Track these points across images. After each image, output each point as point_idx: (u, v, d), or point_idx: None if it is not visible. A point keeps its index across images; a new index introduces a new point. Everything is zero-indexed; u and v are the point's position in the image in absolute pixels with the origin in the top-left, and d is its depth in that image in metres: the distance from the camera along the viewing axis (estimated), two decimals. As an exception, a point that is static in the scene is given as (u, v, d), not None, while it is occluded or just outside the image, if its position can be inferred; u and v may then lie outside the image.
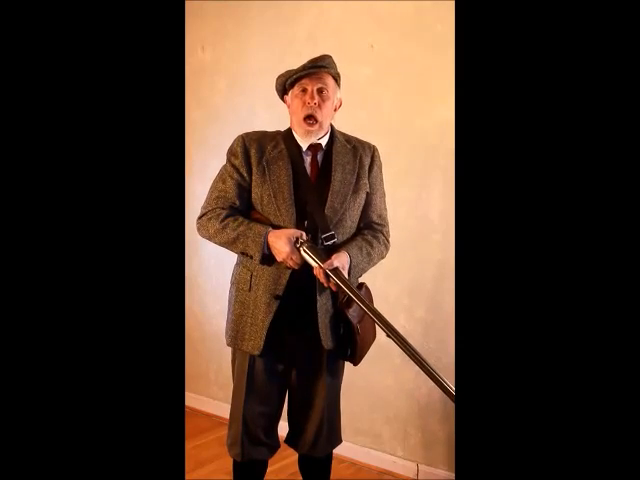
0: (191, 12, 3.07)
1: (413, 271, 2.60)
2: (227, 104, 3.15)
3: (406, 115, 2.58)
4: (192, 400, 3.34)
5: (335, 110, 1.91)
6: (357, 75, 2.67)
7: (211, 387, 3.32)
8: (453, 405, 1.49)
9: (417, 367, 1.58)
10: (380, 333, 1.73)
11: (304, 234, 1.75)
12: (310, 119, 1.81)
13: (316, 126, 1.82)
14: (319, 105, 1.81)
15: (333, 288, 1.75)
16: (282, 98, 1.93)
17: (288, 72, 1.85)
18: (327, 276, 1.71)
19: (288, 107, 1.90)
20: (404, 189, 2.58)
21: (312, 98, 1.80)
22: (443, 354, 2.52)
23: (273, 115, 2.68)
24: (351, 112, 2.56)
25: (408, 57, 2.56)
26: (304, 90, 1.82)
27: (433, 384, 1.54)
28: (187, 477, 2.48)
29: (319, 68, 1.81)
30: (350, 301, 1.73)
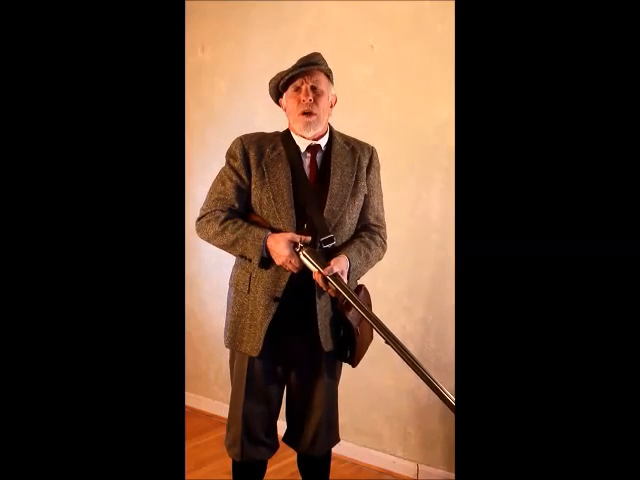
0: (191, 12, 3.07)
1: (413, 271, 2.60)
2: (227, 104, 3.15)
3: (406, 115, 2.58)
4: (192, 400, 3.34)
5: (331, 107, 1.91)
6: (357, 75, 2.67)
7: (211, 387, 3.32)
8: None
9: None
10: (378, 336, 1.73)
11: (303, 237, 1.75)
12: (308, 114, 1.81)
13: (314, 117, 1.82)
14: (314, 101, 1.81)
15: (332, 294, 1.76)
16: (277, 102, 1.93)
17: (280, 74, 1.85)
18: (326, 281, 1.71)
19: (284, 110, 1.90)
20: (404, 189, 2.58)
21: (307, 95, 1.80)
22: (443, 354, 2.52)
23: (273, 115, 2.67)
24: (351, 112, 2.57)
25: (408, 57, 2.56)
26: (298, 89, 1.82)
27: (433, 384, 1.54)
28: (187, 477, 2.48)
29: (310, 66, 1.82)
30: (350, 304, 1.73)
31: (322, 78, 1.84)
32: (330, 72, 1.88)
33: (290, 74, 1.82)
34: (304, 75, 1.81)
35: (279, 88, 1.87)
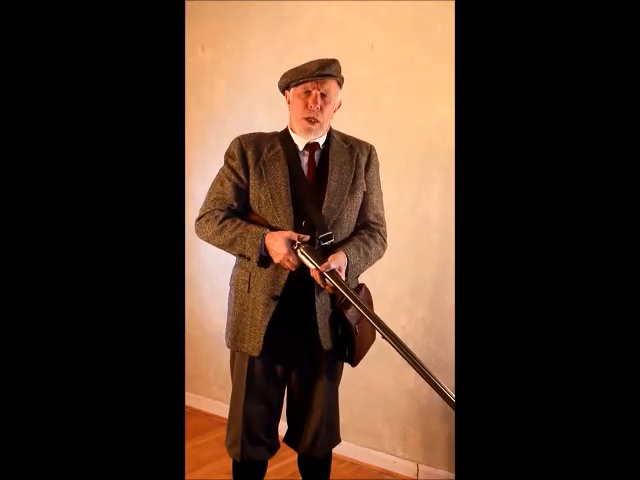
0: (191, 12, 3.07)
1: (413, 271, 2.60)
2: (227, 104, 3.15)
3: (406, 115, 2.58)
4: (192, 400, 3.34)
5: (334, 111, 1.91)
6: (357, 75, 2.67)
7: (211, 387, 3.32)
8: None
9: (417, 367, 1.58)
10: (379, 336, 1.73)
11: (301, 236, 1.75)
12: (311, 121, 1.81)
13: (317, 125, 1.82)
14: (321, 109, 1.81)
15: (329, 291, 1.76)
16: (282, 92, 1.92)
17: (294, 74, 1.82)
18: (324, 278, 1.71)
19: (287, 103, 1.90)
20: (404, 189, 2.58)
21: (315, 103, 1.80)
22: (443, 354, 2.52)
23: (273, 115, 2.68)
24: (351, 112, 2.56)
25: (408, 57, 2.56)
26: (308, 92, 1.81)
27: (433, 384, 1.54)
28: (187, 477, 2.48)
29: (326, 77, 1.80)
30: (348, 302, 1.73)
31: (333, 86, 1.83)
32: (342, 80, 1.87)
33: (305, 79, 1.80)
34: (317, 81, 1.80)
35: (289, 85, 1.86)
